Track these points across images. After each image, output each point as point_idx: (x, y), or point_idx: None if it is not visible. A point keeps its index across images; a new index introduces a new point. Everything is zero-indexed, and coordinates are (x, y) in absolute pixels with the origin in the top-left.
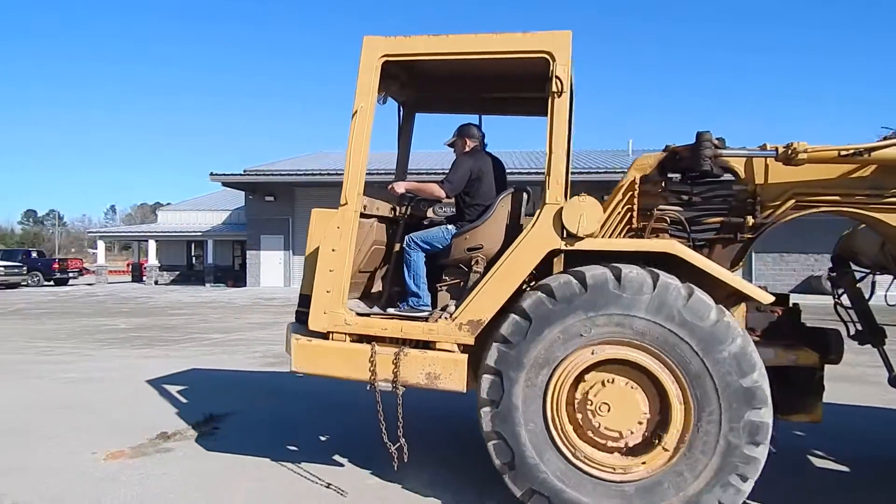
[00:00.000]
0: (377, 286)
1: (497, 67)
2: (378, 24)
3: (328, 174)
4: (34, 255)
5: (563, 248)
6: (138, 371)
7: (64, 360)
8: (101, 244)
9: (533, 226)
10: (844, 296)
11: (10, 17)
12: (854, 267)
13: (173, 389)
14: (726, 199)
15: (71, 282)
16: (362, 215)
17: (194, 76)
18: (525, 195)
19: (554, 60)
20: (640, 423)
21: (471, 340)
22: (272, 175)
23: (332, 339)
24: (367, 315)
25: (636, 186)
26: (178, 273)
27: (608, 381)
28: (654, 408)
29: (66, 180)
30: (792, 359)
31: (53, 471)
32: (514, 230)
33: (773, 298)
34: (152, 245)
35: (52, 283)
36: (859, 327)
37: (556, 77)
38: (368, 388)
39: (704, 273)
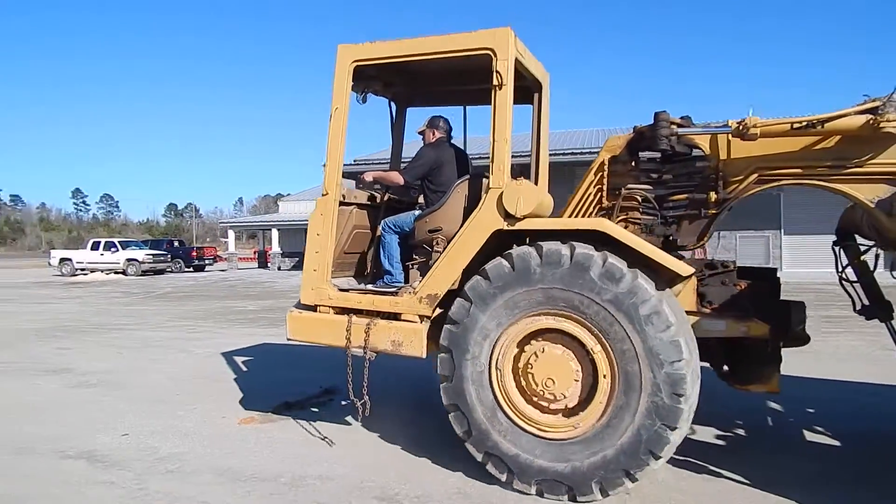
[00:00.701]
0: (369, 266)
1: (465, 63)
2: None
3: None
4: (176, 244)
5: (505, 228)
6: (264, 347)
7: (202, 337)
8: (231, 233)
9: (479, 209)
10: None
11: (150, 21)
12: (859, 240)
13: (295, 364)
14: (692, 176)
15: (207, 268)
16: (342, 203)
17: (310, 74)
18: (485, 181)
19: (495, 56)
20: (575, 386)
21: (429, 312)
22: (379, 163)
23: (319, 312)
24: (347, 291)
25: (605, 167)
26: (298, 259)
27: (543, 349)
28: (585, 371)
29: (202, 175)
30: (743, 330)
31: (195, 432)
32: (470, 213)
33: (691, 271)
34: (275, 233)
35: (191, 269)
36: (866, 302)
37: (497, 71)
38: (345, 353)
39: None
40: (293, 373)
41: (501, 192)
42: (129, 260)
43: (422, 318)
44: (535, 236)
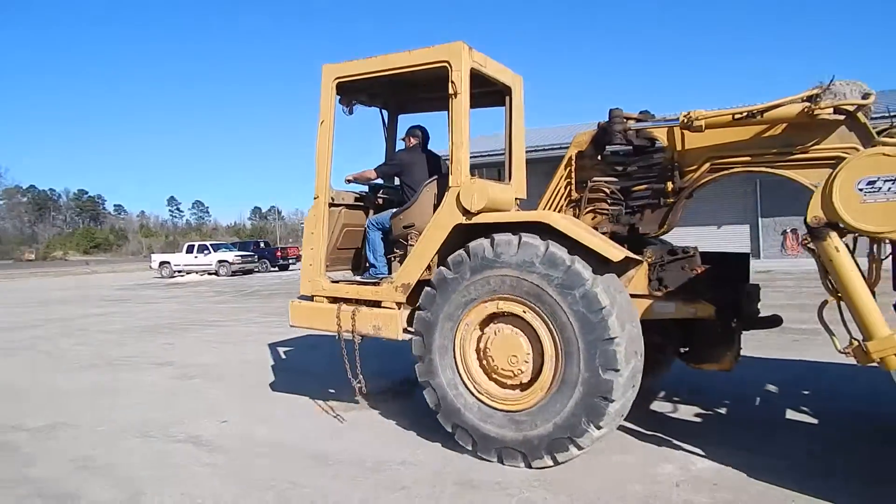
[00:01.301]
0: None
1: (439, 73)
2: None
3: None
4: (262, 245)
5: (464, 222)
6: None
7: (291, 332)
8: None
9: (442, 206)
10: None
11: (236, 24)
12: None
13: (376, 356)
14: (652, 168)
15: (290, 267)
16: (332, 205)
17: None
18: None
19: (451, 68)
20: (527, 363)
21: (402, 299)
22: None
23: (315, 301)
24: (338, 282)
25: (573, 162)
26: None
27: (499, 331)
28: (535, 349)
29: (283, 179)
30: (691, 312)
31: (286, 420)
32: None
33: (622, 257)
34: None
35: (276, 268)
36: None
37: (452, 81)
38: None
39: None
40: (375, 364)
41: (459, 191)
42: (220, 261)
43: (398, 304)
44: (492, 229)
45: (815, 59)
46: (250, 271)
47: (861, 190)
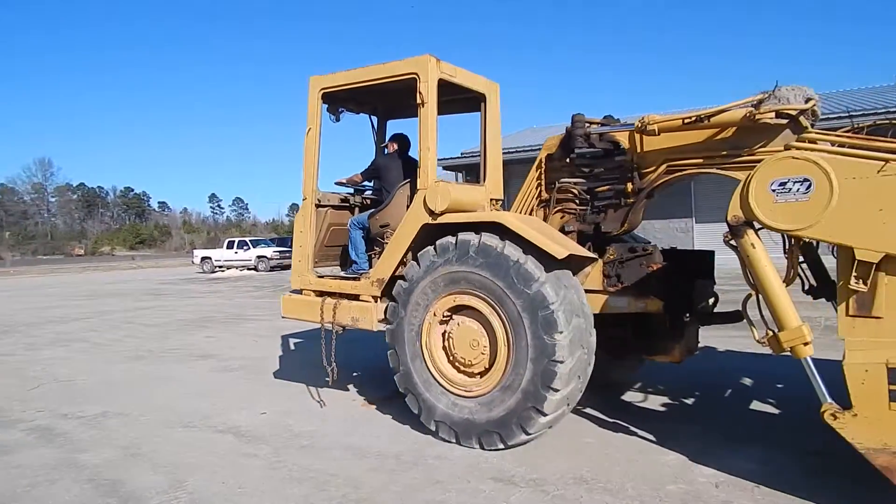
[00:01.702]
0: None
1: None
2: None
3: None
4: None
5: (430, 222)
6: (380, 335)
7: None
8: None
9: (411, 207)
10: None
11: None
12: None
13: None
14: (614, 170)
15: None
16: (318, 205)
17: None
18: None
19: (419, 79)
20: (483, 353)
21: (378, 293)
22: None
23: (303, 294)
24: (323, 277)
25: (543, 164)
26: None
27: (461, 322)
28: (491, 340)
29: (321, 175)
30: (640, 306)
31: (324, 412)
32: None
33: (566, 254)
34: None
35: None
36: (813, 282)
37: (419, 92)
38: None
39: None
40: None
41: (425, 193)
42: (259, 257)
43: (374, 298)
44: (457, 228)
45: (787, 60)
46: (288, 266)
47: (774, 190)
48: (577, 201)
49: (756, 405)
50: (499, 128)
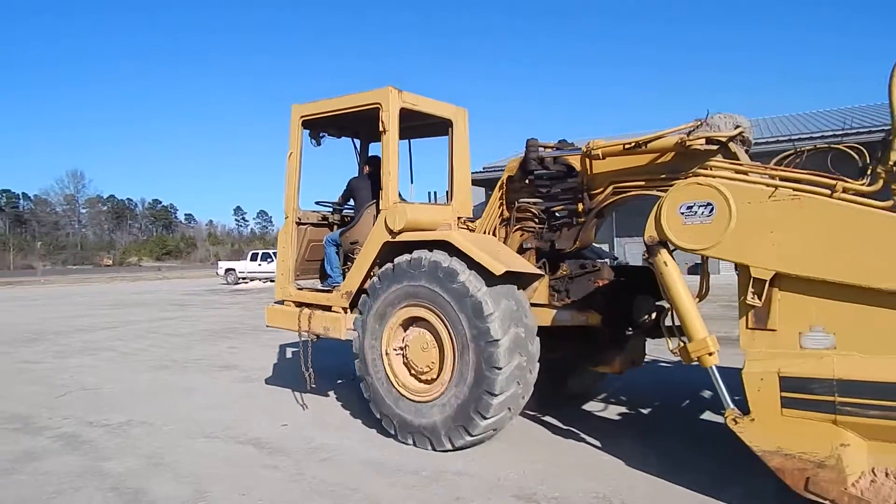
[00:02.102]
0: None
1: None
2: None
3: None
4: None
5: (389, 240)
6: None
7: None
8: None
9: (375, 226)
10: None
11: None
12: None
13: None
14: (567, 191)
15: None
16: (299, 223)
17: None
18: None
19: (382, 108)
20: (434, 361)
21: (346, 304)
22: (501, 169)
23: (284, 305)
24: (302, 289)
25: (504, 185)
26: None
27: (415, 333)
28: (440, 349)
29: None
30: (582, 320)
31: (344, 426)
32: None
33: (502, 270)
34: None
35: None
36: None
37: (381, 121)
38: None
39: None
40: None
41: (386, 213)
42: None
43: (343, 309)
44: (416, 245)
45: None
46: None
47: (682, 213)
48: (535, 220)
49: None
50: (467, 150)
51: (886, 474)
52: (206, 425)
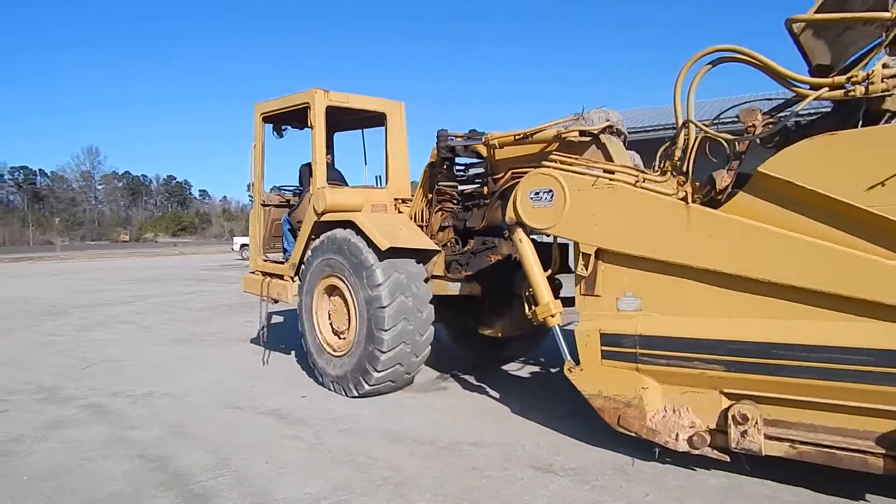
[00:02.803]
0: None
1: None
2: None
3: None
4: None
5: (317, 220)
6: None
7: None
8: None
9: (309, 207)
10: None
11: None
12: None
13: (445, 342)
14: (477, 175)
15: None
16: (264, 205)
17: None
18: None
19: (309, 107)
20: (346, 322)
21: (292, 273)
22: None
23: (255, 274)
24: (266, 261)
25: (427, 171)
26: None
27: (336, 298)
28: (350, 312)
29: (353, 166)
30: (466, 290)
31: (362, 398)
32: None
33: (388, 245)
34: None
35: None
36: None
37: (309, 117)
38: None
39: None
40: (446, 349)
41: (312, 197)
42: None
43: (290, 278)
44: (335, 224)
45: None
46: None
47: (531, 199)
48: (453, 202)
49: None
50: (404, 139)
51: (674, 410)
52: (226, 396)
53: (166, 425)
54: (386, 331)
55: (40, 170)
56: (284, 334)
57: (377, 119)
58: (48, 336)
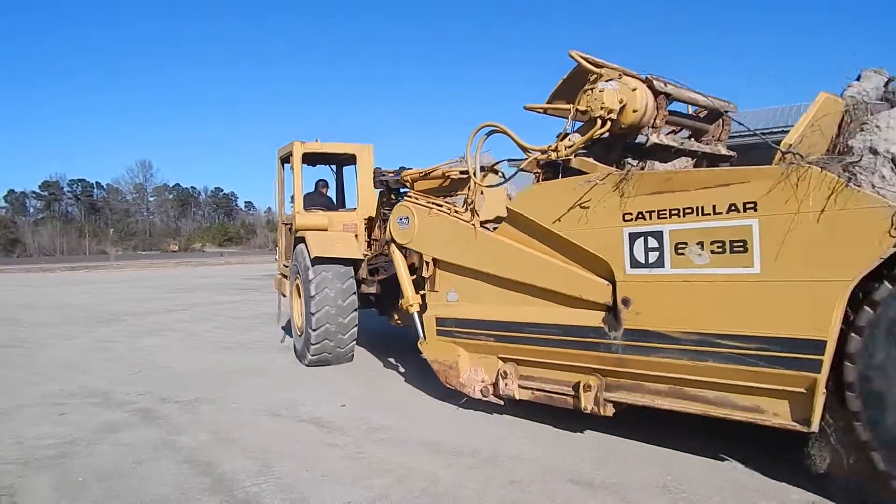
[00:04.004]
0: None
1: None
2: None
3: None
4: None
5: (294, 236)
6: None
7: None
8: None
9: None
10: None
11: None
12: None
13: None
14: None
15: None
16: (284, 223)
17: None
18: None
19: (292, 154)
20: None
21: (287, 273)
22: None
23: (278, 275)
24: (285, 266)
25: (378, 198)
26: None
27: (300, 294)
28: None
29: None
30: (373, 289)
31: (401, 407)
32: None
33: (316, 255)
34: None
35: None
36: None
37: (291, 162)
38: None
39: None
40: None
41: (293, 219)
42: None
43: (286, 277)
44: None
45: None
46: None
47: (398, 222)
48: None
49: None
50: (370, 172)
51: (474, 370)
52: (269, 404)
53: (212, 431)
54: (313, 314)
55: (97, 182)
56: None
57: (349, 159)
58: (102, 342)
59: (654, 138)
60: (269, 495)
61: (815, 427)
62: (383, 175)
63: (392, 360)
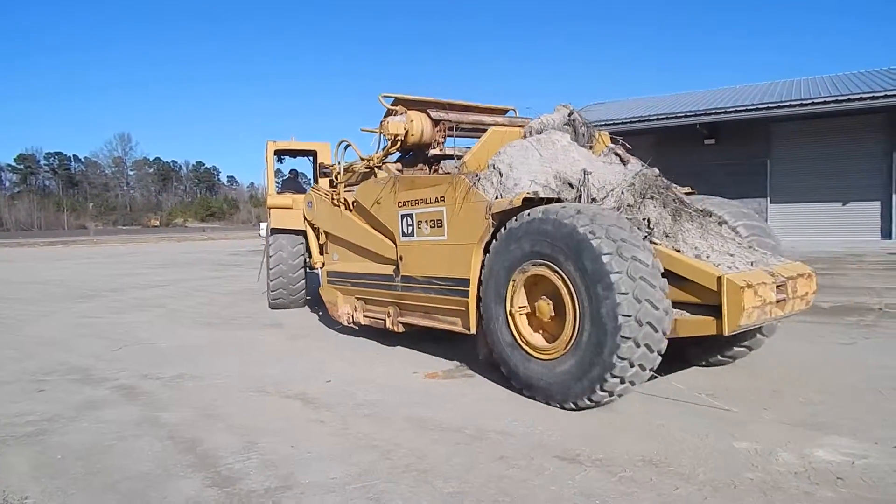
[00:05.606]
0: None
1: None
2: None
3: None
4: None
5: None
6: None
7: None
8: None
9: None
10: None
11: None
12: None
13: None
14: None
15: None
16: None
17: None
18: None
19: (266, 150)
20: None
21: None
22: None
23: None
24: None
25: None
26: None
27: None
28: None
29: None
30: (317, 262)
31: (387, 383)
32: None
33: (273, 226)
34: None
35: None
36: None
37: (266, 158)
38: None
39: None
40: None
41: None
42: None
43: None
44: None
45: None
46: None
47: (308, 206)
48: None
49: (835, 393)
50: (329, 164)
51: (344, 306)
52: (254, 380)
53: (196, 407)
54: (271, 269)
55: (74, 155)
56: (307, 318)
57: (310, 153)
58: (83, 318)
59: (434, 151)
60: (253, 472)
61: (473, 330)
62: (326, 168)
63: (376, 339)
